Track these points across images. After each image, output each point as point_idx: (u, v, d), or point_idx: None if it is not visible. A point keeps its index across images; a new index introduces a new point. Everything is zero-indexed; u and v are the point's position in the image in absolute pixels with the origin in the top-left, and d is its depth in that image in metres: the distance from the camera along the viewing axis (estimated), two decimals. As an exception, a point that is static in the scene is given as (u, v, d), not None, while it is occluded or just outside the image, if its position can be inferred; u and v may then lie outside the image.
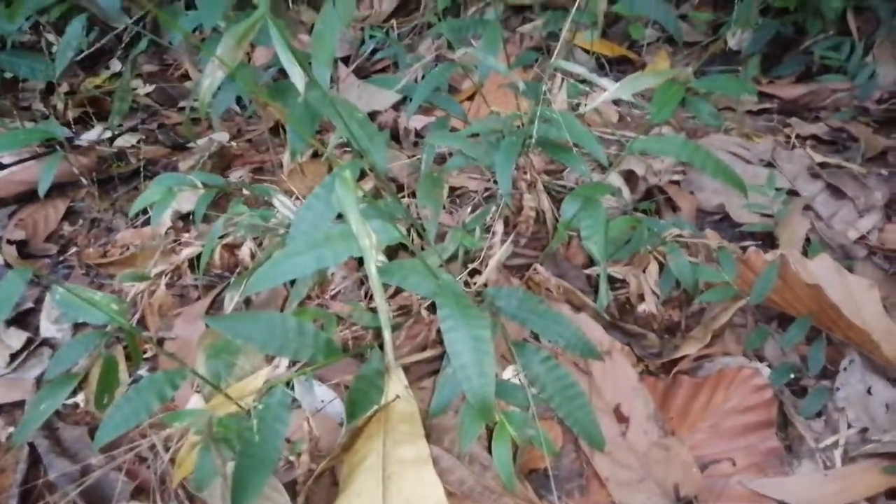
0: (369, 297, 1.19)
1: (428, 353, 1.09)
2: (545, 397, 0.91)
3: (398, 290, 1.17)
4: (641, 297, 1.15)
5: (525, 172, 1.21)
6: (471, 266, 1.14)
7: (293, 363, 1.04)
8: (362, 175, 1.29)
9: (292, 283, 1.13)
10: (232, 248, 1.23)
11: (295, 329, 0.87)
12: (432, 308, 1.14)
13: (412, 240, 1.20)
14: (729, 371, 1.03)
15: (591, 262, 1.24)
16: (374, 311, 1.12)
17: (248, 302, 1.23)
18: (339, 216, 1.11)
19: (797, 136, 1.52)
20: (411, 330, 1.13)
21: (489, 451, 0.91)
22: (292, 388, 0.90)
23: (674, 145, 0.98)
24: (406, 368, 1.08)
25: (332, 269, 1.19)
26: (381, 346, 1.06)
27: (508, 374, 0.98)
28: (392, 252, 1.23)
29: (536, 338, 1.09)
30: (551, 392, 0.91)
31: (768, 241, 1.25)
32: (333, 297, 1.18)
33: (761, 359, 1.08)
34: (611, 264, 1.19)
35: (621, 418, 1.00)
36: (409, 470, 0.88)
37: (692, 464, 0.95)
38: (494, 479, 0.91)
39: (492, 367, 0.78)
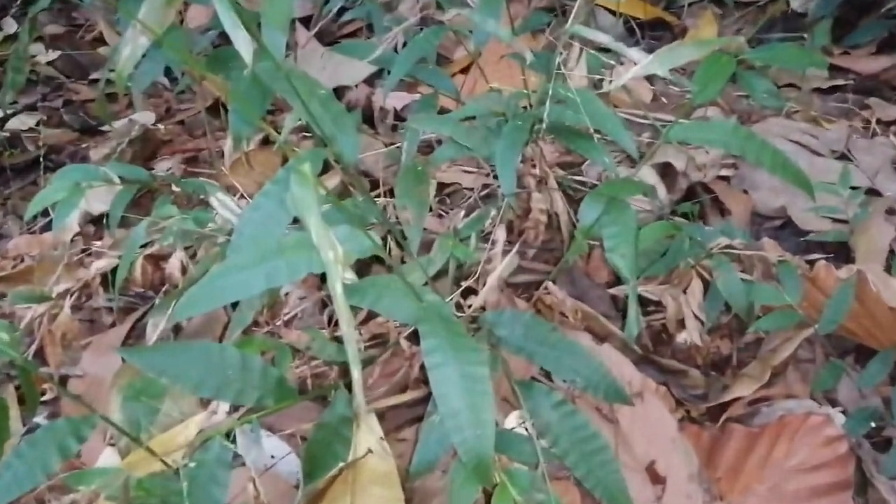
0: (334, 323, 1.20)
1: (409, 396, 1.10)
2: (559, 452, 0.92)
3: (371, 315, 1.17)
4: (682, 324, 1.16)
5: (533, 166, 1.22)
6: (464, 284, 1.15)
7: (235, 408, 1.04)
8: (325, 168, 1.30)
9: (234, 305, 1.13)
10: (157, 261, 1.24)
11: (237, 364, 0.87)
12: (414, 337, 1.14)
13: (389, 251, 1.21)
14: (793, 418, 1.04)
15: (617, 279, 1.25)
16: (339, 341, 1.13)
17: (177, 330, 1.23)
18: (296, 220, 1.12)
19: (878, 122, 1.54)
20: (387, 365, 1.13)
21: (487, 521, 0.91)
22: (234, 441, 0.89)
23: (721, 133, 0.99)
24: (381, 415, 1.08)
25: (287, 287, 1.20)
26: (349, 387, 1.06)
27: (512, 422, 0.98)
28: (364, 267, 1.23)
29: (548, 376, 1.10)
30: (567, 445, 0.91)
31: (842, 253, 1.26)
32: (287, 324, 1.18)
33: (833, 403, 1.09)
34: (642, 283, 1.20)
35: (656, 478, 1.00)
36: None
37: (746, 537, 0.95)
38: (495, 559, 0.90)
39: (490, 413, 0.78)
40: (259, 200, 0.91)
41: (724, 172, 1.42)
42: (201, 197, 1.19)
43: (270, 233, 0.88)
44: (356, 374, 0.70)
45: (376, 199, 1.28)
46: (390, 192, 1.34)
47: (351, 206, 1.04)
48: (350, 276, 0.74)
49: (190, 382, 0.84)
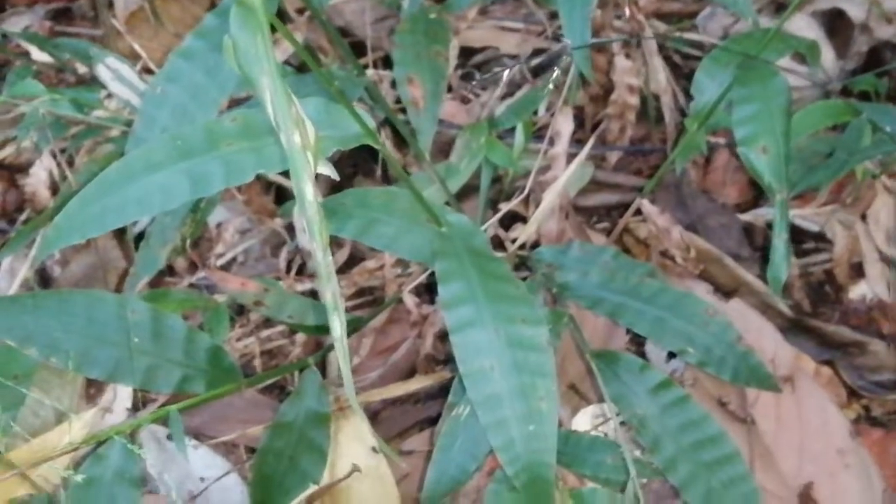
0: (296, 270, 1.20)
1: (418, 384, 1.10)
2: (661, 464, 0.92)
3: (356, 257, 1.18)
4: (858, 270, 1.15)
5: (618, 15, 1.22)
6: (506, 207, 1.14)
7: (144, 400, 1.05)
8: (282, 16, 1.28)
9: (139, 241, 1.13)
10: (12, 173, 1.23)
11: (146, 327, 0.87)
12: (426, 292, 1.15)
13: (382, 143, 1.20)
14: None
15: (754, 198, 1.24)
16: (305, 295, 1.12)
17: (45, 279, 1.23)
18: (239, 102, 1.11)
19: None
20: (383, 337, 1.13)
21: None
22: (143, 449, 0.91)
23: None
24: (374, 413, 1.09)
25: (218, 215, 1.20)
26: (322, 367, 1.06)
27: (585, 421, 0.98)
28: (345, 177, 1.23)
29: (642, 349, 1.10)
30: (672, 452, 0.91)
31: None
32: (225, 269, 1.19)
33: None
34: (796, 203, 1.19)
35: (814, 509, 1.01)
36: None
37: None
38: None
39: (552, 402, 0.79)
40: (175, 66, 0.89)
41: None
42: (83, 69, 1.17)
43: (195, 116, 0.87)
44: (341, 346, 0.69)
45: (366, 70, 1.26)
46: (384, 62, 1.33)
47: (327, 76, 1.02)
48: (328, 170, 0.72)
49: (71, 356, 0.84)
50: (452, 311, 0.79)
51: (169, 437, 1.04)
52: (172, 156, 0.76)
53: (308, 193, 0.66)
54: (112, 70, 1.09)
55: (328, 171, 0.71)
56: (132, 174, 0.76)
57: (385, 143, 1.22)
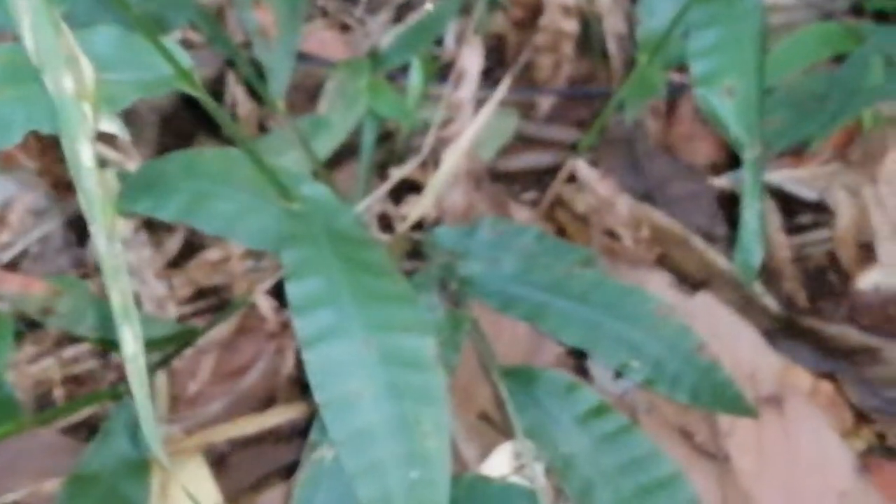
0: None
1: (279, 416, 1.09)
2: None
3: (194, 244, 1.17)
4: (869, 252, 1.16)
5: None
6: (399, 172, 1.14)
7: None
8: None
9: None
10: None
11: None
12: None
13: (233, 102, 1.19)
14: None
15: (734, 157, 1.24)
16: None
17: None
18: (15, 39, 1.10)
19: None
20: (232, 353, 1.13)
21: None
22: None
23: None
24: (220, 458, 1.08)
25: (5, 191, 1.18)
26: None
27: (502, 460, 0.98)
28: (182, 137, 1.22)
29: (584, 362, 1.11)
30: (610, 502, 0.91)
31: None
32: (14, 265, 1.18)
33: None
34: (788, 162, 1.20)
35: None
36: None
37: None
38: None
39: (443, 438, 0.78)
40: None
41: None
42: None
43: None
44: (135, 363, 0.68)
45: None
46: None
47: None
48: (115, 126, 0.71)
49: None
50: (306, 318, 0.78)
51: None
52: None
53: (84, 158, 0.65)
54: None
55: (115, 128, 0.69)
56: None
57: (234, 97, 1.21)
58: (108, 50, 0.76)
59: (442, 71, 1.19)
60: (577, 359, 1.10)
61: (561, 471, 0.92)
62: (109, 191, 0.65)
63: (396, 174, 1.13)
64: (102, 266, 0.66)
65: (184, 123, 1.25)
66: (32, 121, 0.73)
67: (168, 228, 1.16)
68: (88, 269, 1.17)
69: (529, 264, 0.97)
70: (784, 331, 1.13)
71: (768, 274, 1.16)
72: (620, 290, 0.97)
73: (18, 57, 0.73)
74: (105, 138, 1.15)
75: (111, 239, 0.64)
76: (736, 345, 1.07)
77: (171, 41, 0.77)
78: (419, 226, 1.10)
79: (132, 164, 1.05)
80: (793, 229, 1.21)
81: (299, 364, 1.09)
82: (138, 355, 0.66)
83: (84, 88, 0.64)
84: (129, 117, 1.21)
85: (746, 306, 1.12)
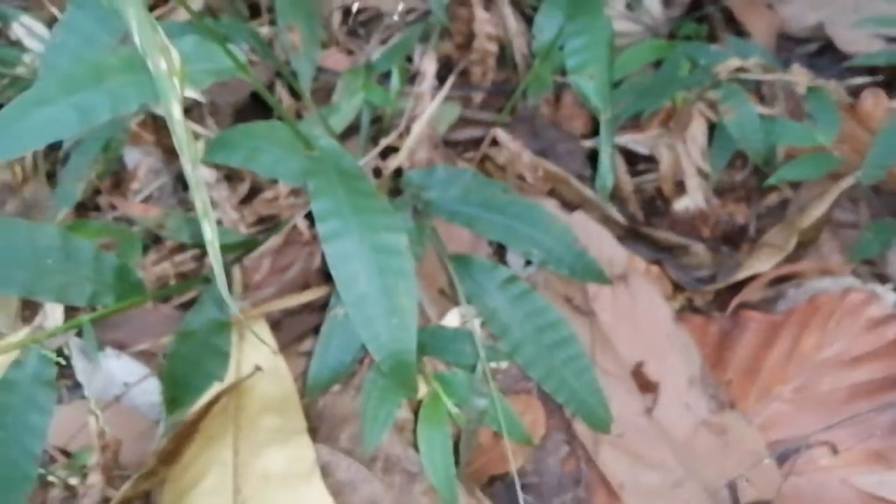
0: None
1: (311, 295, 1.07)
2: (509, 347, 0.91)
3: (256, 190, 1.13)
4: (681, 186, 1.14)
5: None
6: (385, 141, 1.11)
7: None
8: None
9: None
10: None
11: (58, 250, 0.82)
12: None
13: (279, 100, 1.15)
14: (827, 298, 1.02)
15: (595, 128, 1.21)
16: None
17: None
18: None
19: None
20: (281, 257, 1.10)
21: (416, 447, 0.89)
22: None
23: None
24: (275, 322, 1.05)
25: (134, 157, 1.15)
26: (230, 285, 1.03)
27: (453, 318, 0.96)
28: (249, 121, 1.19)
29: (504, 258, 1.08)
30: (519, 336, 0.90)
31: (896, 82, 1.25)
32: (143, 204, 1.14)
33: (882, 278, 1.08)
34: (629, 131, 1.17)
35: (646, 385, 0.99)
36: (282, 490, 0.87)
37: (764, 453, 0.95)
38: (427, 495, 0.89)
39: (411, 297, 0.76)
40: (72, 16, 0.85)
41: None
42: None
43: (89, 57, 0.83)
44: (212, 245, 0.65)
45: (257, 27, 1.21)
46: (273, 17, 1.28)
47: (212, 26, 0.98)
48: (196, 94, 0.68)
49: (-15, 276, 0.79)
50: (324, 223, 0.76)
51: (100, 348, 1.00)
52: (62, 91, 0.72)
53: (175, 113, 0.62)
54: (26, 27, 1.03)
55: (195, 95, 0.67)
56: (26, 110, 0.72)
57: (280, 96, 1.18)
58: (191, 50, 0.74)
59: (411, 76, 1.16)
60: (499, 249, 1.08)
61: (489, 320, 0.90)
62: (190, 135, 0.62)
63: (384, 142, 1.11)
64: (189, 183, 0.63)
65: (249, 115, 1.23)
66: (141, 96, 0.70)
67: (240, 178, 1.13)
68: (189, 206, 1.14)
69: (467, 191, 0.95)
70: (628, 235, 1.12)
71: (619, 200, 1.14)
72: (526, 206, 0.95)
73: (131, 55, 0.71)
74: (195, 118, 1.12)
75: (194, 165, 0.61)
76: (599, 243, 1.05)
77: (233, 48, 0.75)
78: (398, 174, 1.07)
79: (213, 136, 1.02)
80: (634, 173, 1.19)
81: (323, 262, 1.08)
82: (215, 241, 0.63)
83: (173, 67, 0.62)
84: (213, 110, 1.19)
85: (605, 220, 1.10)
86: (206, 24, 0.74)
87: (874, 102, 1.07)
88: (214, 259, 0.65)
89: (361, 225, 0.76)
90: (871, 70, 1.21)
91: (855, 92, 1.16)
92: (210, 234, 0.64)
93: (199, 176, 0.64)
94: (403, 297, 0.76)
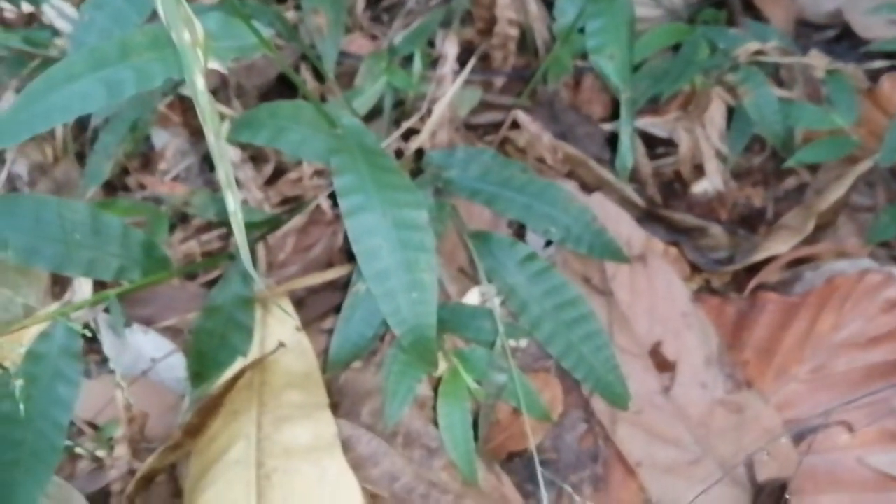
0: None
1: (334, 273, 1.07)
2: (528, 323, 0.90)
3: (281, 170, 1.13)
4: (699, 169, 1.13)
5: None
6: (407, 123, 1.11)
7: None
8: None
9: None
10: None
11: (87, 225, 0.83)
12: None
13: (304, 82, 1.16)
14: (844, 280, 1.02)
15: (615, 112, 1.21)
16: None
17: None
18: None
19: None
20: (305, 236, 1.10)
21: (436, 423, 0.89)
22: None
23: None
24: (299, 300, 1.05)
25: (162, 138, 1.16)
26: (254, 263, 1.03)
27: (473, 297, 0.96)
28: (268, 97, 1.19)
29: (524, 238, 1.08)
30: (538, 313, 0.90)
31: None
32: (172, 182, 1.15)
33: (898, 260, 1.07)
34: (648, 114, 1.16)
35: (663, 364, 0.99)
36: (304, 464, 0.87)
37: (781, 432, 0.94)
38: (447, 470, 0.89)
39: (431, 272, 0.76)
40: None
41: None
42: (34, 10, 1.11)
43: (117, 34, 0.83)
44: (235, 216, 0.65)
45: (285, 14, 1.21)
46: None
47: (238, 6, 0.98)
48: (219, 65, 0.68)
49: (17, 249, 0.79)
50: (346, 199, 0.76)
51: (127, 324, 1.01)
52: (90, 66, 0.73)
53: (199, 84, 0.62)
54: (56, 9, 1.04)
55: (219, 66, 0.67)
56: (55, 84, 0.72)
57: (304, 80, 1.18)
58: (216, 27, 0.74)
59: (433, 60, 1.15)
60: (519, 230, 1.08)
61: (508, 297, 0.90)
62: (214, 107, 0.62)
63: (406, 124, 1.11)
64: (212, 156, 0.64)
65: (274, 98, 1.22)
66: (166, 71, 0.71)
67: (265, 159, 1.13)
68: (216, 187, 1.15)
69: (487, 171, 0.95)
70: (647, 217, 1.11)
71: (638, 182, 1.14)
72: (544, 185, 0.95)
73: (157, 32, 0.71)
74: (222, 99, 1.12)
75: (217, 135, 0.61)
76: (617, 224, 1.04)
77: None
78: (420, 155, 1.07)
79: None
80: (653, 157, 1.18)
81: (346, 241, 1.08)
82: (238, 211, 0.64)
83: (197, 39, 0.62)
84: (238, 92, 1.19)
85: (624, 202, 1.09)
86: (232, 3, 0.74)
87: (892, 86, 1.06)
88: (237, 229, 0.65)
89: (383, 200, 0.76)
90: (889, 55, 1.21)
91: (873, 76, 1.15)
92: (233, 204, 0.65)
93: (223, 147, 0.64)
94: (424, 272, 0.76)
